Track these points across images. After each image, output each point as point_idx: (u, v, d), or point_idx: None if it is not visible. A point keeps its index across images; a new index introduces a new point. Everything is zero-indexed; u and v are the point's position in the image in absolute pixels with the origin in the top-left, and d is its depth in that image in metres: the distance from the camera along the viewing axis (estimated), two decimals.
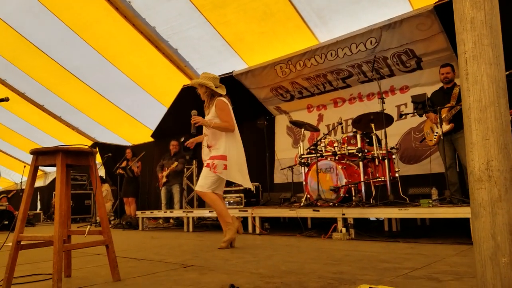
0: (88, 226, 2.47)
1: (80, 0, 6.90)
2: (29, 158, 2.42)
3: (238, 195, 6.41)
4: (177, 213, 6.67)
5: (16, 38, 7.99)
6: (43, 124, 11.34)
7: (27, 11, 7.28)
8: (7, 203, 9.61)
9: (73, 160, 2.36)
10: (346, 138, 5.30)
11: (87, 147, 2.43)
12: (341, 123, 5.86)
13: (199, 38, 7.11)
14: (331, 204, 4.92)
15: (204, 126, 4.01)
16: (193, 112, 3.93)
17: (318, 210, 4.58)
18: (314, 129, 6.02)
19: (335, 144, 5.34)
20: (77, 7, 7.07)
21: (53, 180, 13.12)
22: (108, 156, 9.24)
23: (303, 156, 5.59)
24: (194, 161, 8.23)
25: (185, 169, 7.98)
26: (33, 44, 8.12)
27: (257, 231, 5.18)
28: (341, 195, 4.99)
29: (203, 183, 3.85)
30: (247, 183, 3.95)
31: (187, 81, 8.03)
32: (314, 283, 2.07)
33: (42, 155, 2.35)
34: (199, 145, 4.22)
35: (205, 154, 3.99)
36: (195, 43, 7.31)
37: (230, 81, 7.32)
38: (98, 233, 2.41)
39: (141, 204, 9.05)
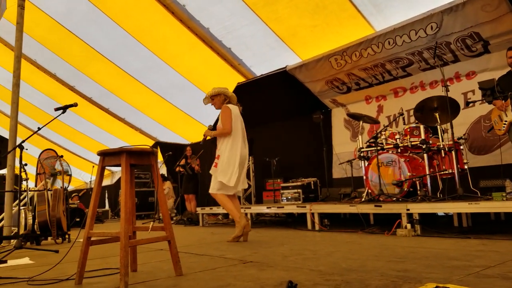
0: (152, 223, 2.56)
1: (139, 8, 7.22)
2: (97, 159, 2.55)
3: (296, 191, 6.36)
4: None
5: (82, 47, 8.54)
6: (108, 126, 12.01)
7: (92, 21, 7.76)
8: (78, 201, 10.29)
9: (136, 160, 2.46)
10: (408, 130, 5.07)
11: (148, 147, 2.52)
12: (402, 114, 5.59)
13: (252, 35, 7.15)
14: (394, 199, 4.72)
15: None
16: (209, 126, 4.55)
17: (380, 206, 4.42)
18: (374, 121, 5.82)
19: (397, 136, 5.14)
20: (136, 14, 7.42)
21: (119, 179, 13.85)
22: (169, 154, 9.57)
23: (362, 150, 5.42)
24: (250, 157, 8.29)
25: None
26: (98, 51, 8.64)
27: (317, 227, 5.10)
28: (405, 189, 4.78)
29: (212, 186, 4.27)
30: (228, 181, 4.13)
31: (241, 79, 8.12)
32: (377, 281, 1.99)
33: (108, 156, 2.47)
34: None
35: None
36: (247, 41, 7.36)
37: (283, 76, 7.30)
38: (161, 229, 2.49)
39: (201, 201, 9.30)
